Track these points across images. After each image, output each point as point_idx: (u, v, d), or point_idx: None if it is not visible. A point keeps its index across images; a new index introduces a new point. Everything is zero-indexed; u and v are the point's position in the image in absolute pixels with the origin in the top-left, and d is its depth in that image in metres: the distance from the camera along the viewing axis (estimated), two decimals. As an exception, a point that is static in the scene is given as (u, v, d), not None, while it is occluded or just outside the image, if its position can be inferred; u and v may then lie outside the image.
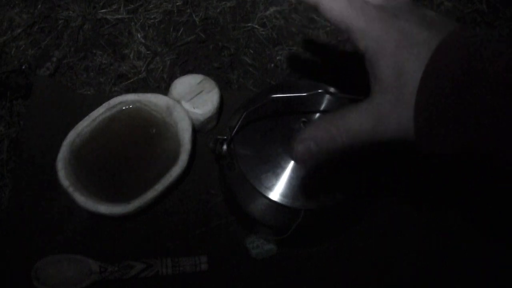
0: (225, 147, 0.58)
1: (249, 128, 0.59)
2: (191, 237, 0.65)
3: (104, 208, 0.61)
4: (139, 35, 0.78)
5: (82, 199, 0.61)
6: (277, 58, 0.78)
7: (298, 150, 0.40)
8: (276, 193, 0.57)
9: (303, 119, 0.58)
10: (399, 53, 0.34)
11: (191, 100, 0.68)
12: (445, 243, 0.66)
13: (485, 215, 0.68)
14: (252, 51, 0.78)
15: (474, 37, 0.33)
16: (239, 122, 0.56)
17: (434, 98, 0.32)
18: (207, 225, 0.66)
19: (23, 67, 0.75)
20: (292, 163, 0.57)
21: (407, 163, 0.65)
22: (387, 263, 0.65)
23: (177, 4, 0.81)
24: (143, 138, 0.67)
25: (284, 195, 0.56)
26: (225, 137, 0.59)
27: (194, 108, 0.67)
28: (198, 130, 0.70)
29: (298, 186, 0.56)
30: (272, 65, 0.78)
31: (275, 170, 0.57)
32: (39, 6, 0.80)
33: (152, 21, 0.80)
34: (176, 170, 0.64)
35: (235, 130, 0.57)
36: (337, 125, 0.38)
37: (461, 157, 0.34)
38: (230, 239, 0.65)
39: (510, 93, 0.30)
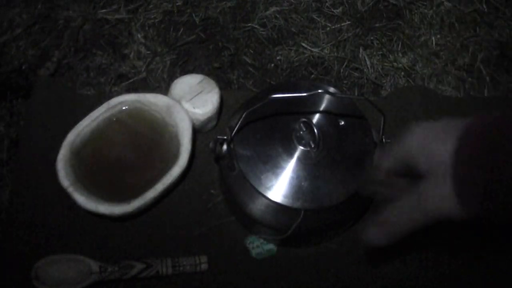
0: (225, 147, 0.58)
1: (249, 128, 0.59)
2: (191, 237, 0.65)
3: (104, 208, 0.61)
4: (139, 35, 0.78)
5: (82, 199, 0.61)
6: (277, 58, 0.78)
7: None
8: (276, 193, 0.57)
9: (303, 119, 0.58)
10: (430, 148, 0.40)
11: (191, 100, 0.68)
12: (445, 244, 0.66)
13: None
14: (252, 51, 0.78)
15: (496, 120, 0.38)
16: (239, 122, 0.56)
17: (471, 172, 0.38)
18: (207, 225, 0.66)
19: (23, 67, 0.75)
20: (292, 163, 0.57)
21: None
22: (386, 263, 0.65)
23: (177, 4, 0.81)
24: (143, 138, 0.67)
25: (284, 195, 0.56)
26: (225, 137, 0.59)
27: (194, 108, 0.67)
28: (198, 130, 0.70)
29: (298, 186, 0.57)
30: (272, 65, 0.78)
31: (275, 170, 0.57)
32: (39, 6, 0.80)
33: (152, 21, 0.80)
34: (176, 170, 0.64)
35: (235, 130, 0.57)
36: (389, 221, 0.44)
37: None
38: (230, 239, 0.65)
39: None
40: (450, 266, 0.65)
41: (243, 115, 0.55)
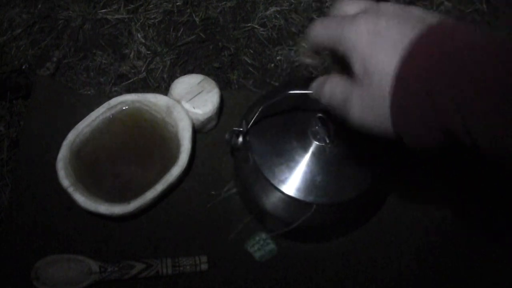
0: (240, 139, 0.59)
1: (265, 122, 0.59)
2: (191, 237, 0.65)
3: (104, 208, 0.61)
4: (139, 35, 0.78)
5: (82, 199, 0.61)
6: (277, 58, 0.78)
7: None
8: (289, 186, 0.57)
9: (319, 115, 0.58)
10: (368, 50, 0.35)
11: (191, 100, 0.68)
12: (451, 244, 0.66)
13: (485, 215, 0.68)
14: (252, 51, 0.78)
15: (452, 31, 0.33)
16: (256, 116, 0.56)
17: (405, 95, 0.34)
18: (207, 225, 0.66)
19: (23, 67, 0.75)
20: (306, 157, 0.57)
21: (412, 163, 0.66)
22: (389, 263, 0.65)
23: (177, 4, 0.81)
24: (143, 138, 0.67)
25: (297, 188, 0.57)
26: (241, 129, 0.59)
27: (194, 108, 0.67)
28: (198, 130, 0.70)
29: (311, 180, 0.57)
30: (272, 65, 0.78)
31: (289, 163, 0.57)
32: (39, 6, 0.80)
33: (152, 21, 0.80)
34: (176, 170, 0.64)
35: (251, 122, 0.57)
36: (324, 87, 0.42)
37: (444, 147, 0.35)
38: (230, 239, 0.65)
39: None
40: (450, 266, 0.65)
41: (260, 109, 0.56)
